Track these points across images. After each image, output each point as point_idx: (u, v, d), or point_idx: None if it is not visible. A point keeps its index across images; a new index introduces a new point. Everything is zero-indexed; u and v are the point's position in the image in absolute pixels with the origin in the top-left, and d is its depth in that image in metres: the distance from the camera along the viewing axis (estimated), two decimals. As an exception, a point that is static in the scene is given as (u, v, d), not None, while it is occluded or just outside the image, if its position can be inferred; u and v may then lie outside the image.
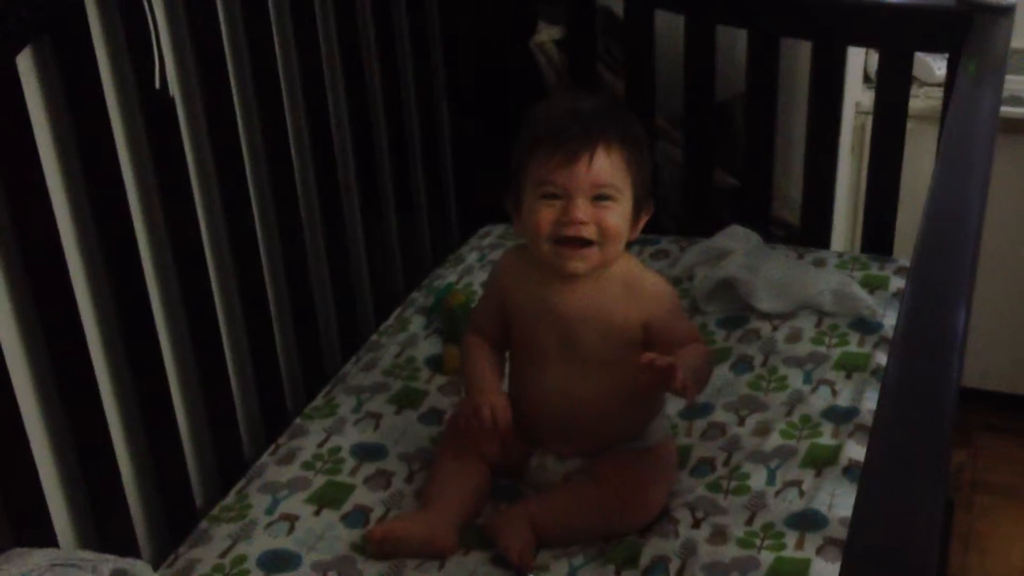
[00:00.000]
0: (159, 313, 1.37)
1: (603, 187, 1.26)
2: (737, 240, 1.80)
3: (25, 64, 1.15)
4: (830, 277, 1.74)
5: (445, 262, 1.92)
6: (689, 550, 1.27)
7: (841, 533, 1.28)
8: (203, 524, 1.35)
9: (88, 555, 0.74)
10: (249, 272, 1.50)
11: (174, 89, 1.31)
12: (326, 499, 1.37)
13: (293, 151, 1.58)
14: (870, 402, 1.49)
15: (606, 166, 1.26)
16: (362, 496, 1.38)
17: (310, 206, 1.64)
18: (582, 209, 1.25)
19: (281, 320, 1.60)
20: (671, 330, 1.32)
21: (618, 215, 1.28)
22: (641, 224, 1.34)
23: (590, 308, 1.32)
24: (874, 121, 1.83)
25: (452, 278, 1.84)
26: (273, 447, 1.48)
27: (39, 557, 0.71)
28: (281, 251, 1.57)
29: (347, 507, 1.36)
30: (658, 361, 1.21)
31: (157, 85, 1.25)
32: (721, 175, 1.98)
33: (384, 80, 1.76)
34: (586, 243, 1.27)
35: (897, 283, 1.76)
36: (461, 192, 2.03)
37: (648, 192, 1.33)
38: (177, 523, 1.37)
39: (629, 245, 1.35)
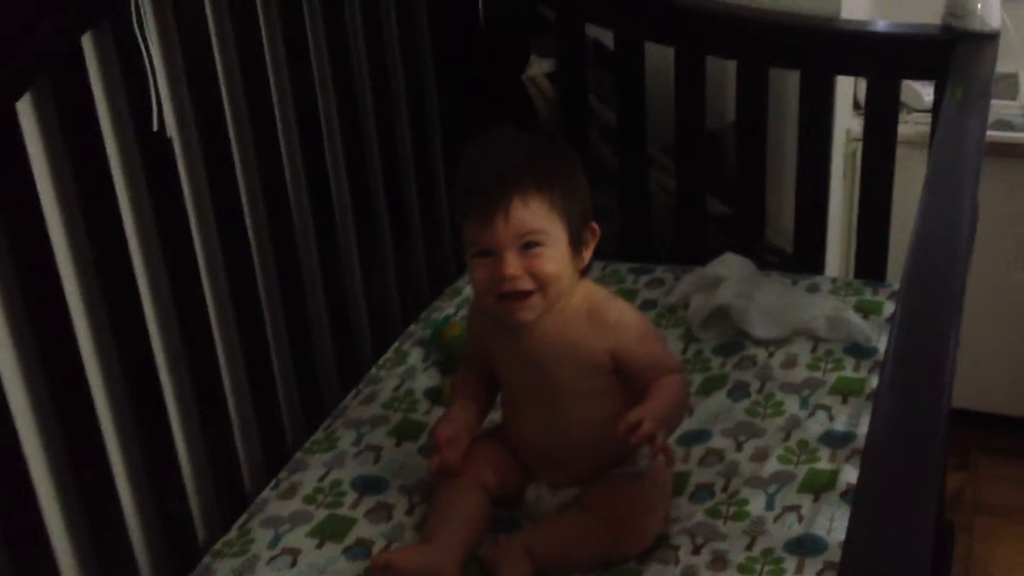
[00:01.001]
0: (159, 351, 1.38)
1: (527, 236, 1.25)
2: (731, 268, 1.81)
3: (24, 107, 1.17)
4: (824, 303, 1.75)
5: (442, 295, 1.94)
6: (689, 577, 1.28)
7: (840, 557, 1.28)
8: (206, 560, 1.36)
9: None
10: (247, 309, 1.52)
11: (172, 130, 1.33)
12: (328, 533, 1.38)
13: (290, 189, 1.60)
14: (867, 427, 1.49)
15: (525, 216, 1.25)
16: (364, 529, 1.39)
17: (307, 242, 1.65)
18: (511, 264, 1.25)
19: (280, 355, 1.61)
20: (639, 357, 1.32)
21: (551, 259, 1.27)
22: (589, 250, 1.33)
23: (556, 345, 1.32)
24: (864, 148, 1.85)
25: (450, 310, 1.85)
26: (274, 482, 1.49)
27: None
28: (279, 287, 1.59)
29: (349, 540, 1.37)
30: (624, 426, 1.22)
31: (155, 126, 1.27)
32: (713, 203, 2.00)
33: (378, 115, 1.78)
34: (526, 294, 1.28)
35: (891, 308, 1.78)
36: (456, 225, 2.04)
37: (586, 220, 1.31)
38: (180, 559, 1.38)
39: (589, 269, 1.35)
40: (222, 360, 1.49)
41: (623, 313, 1.35)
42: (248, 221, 1.52)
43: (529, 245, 1.26)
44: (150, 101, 1.26)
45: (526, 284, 1.27)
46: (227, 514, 1.45)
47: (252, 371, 1.53)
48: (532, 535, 1.32)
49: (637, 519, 1.33)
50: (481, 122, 1.99)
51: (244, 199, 1.51)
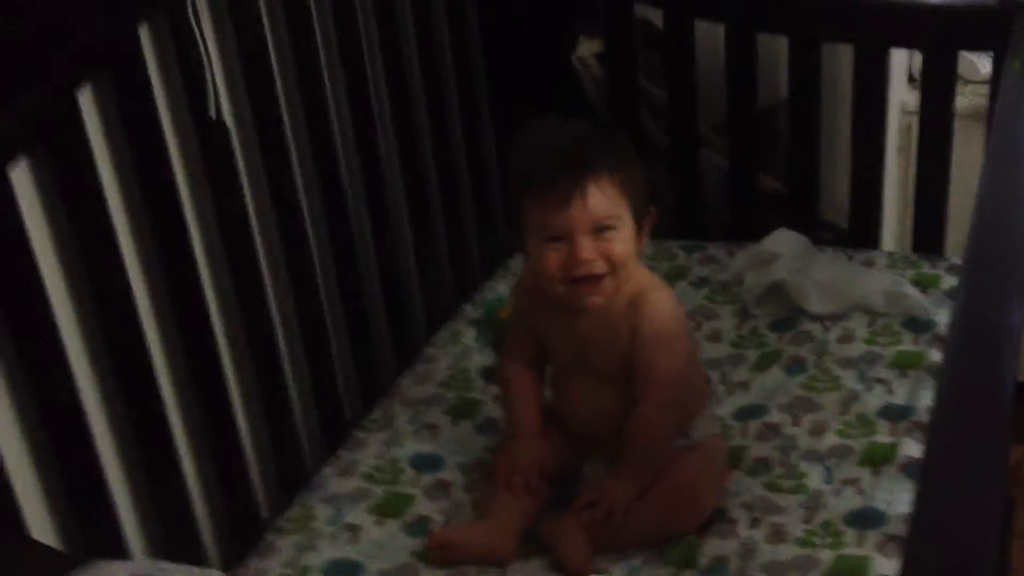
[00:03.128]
0: (220, 334, 1.41)
1: (602, 220, 1.27)
2: (785, 244, 1.80)
3: (85, 98, 1.19)
4: (881, 277, 1.74)
5: (495, 274, 1.94)
6: (748, 550, 1.28)
7: (900, 530, 1.28)
8: (268, 536, 1.38)
9: (167, 566, 0.77)
10: (305, 289, 1.54)
11: (229, 117, 1.35)
12: (387, 509, 1.40)
13: (343, 172, 1.61)
14: (926, 400, 1.49)
15: (601, 200, 1.26)
16: (422, 506, 1.41)
17: (361, 225, 1.67)
18: (587, 248, 1.26)
19: (337, 335, 1.63)
20: (642, 356, 1.31)
21: (623, 241, 1.28)
22: (646, 232, 1.34)
23: (599, 326, 1.33)
24: (920, 121, 1.82)
25: (503, 290, 1.86)
26: (333, 459, 1.51)
27: (119, 569, 0.74)
28: (335, 269, 1.61)
29: (408, 517, 1.39)
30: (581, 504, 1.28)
31: (212, 114, 1.29)
32: (766, 180, 1.98)
33: (429, 98, 1.79)
34: (599, 277, 1.28)
35: (950, 281, 1.76)
36: (508, 205, 2.05)
37: (646, 203, 1.33)
38: (243, 536, 1.40)
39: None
40: (280, 340, 1.51)
41: (659, 305, 1.34)
42: (304, 204, 1.54)
43: (602, 229, 1.27)
44: (206, 89, 1.27)
45: (600, 268, 1.28)
46: (289, 491, 1.48)
47: (310, 351, 1.56)
48: (588, 511, 1.33)
49: (693, 493, 1.33)
50: (531, 103, 1.99)
51: (300, 183, 1.53)
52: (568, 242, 1.27)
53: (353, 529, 1.37)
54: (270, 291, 1.48)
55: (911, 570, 0.75)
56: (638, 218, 1.31)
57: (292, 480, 1.50)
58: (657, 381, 1.32)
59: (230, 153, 1.38)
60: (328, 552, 1.33)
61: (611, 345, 1.33)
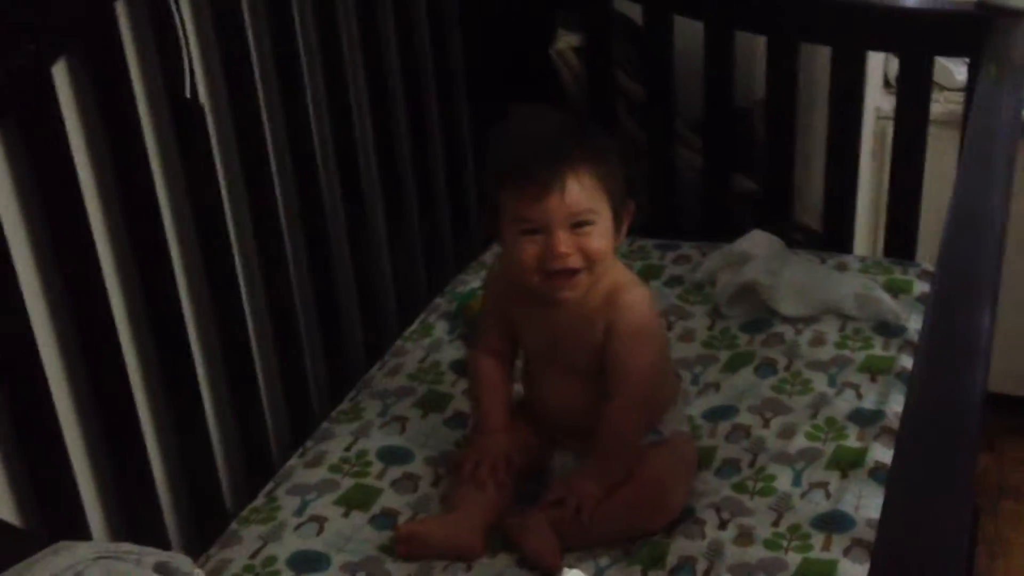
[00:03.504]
0: (190, 319, 1.39)
1: (580, 215, 1.26)
2: (759, 245, 1.80)
3: (59, 73, 1.17)
4: (853, 281, 1.74)
5: (468, 268, 1.94)
6: (715, 551, 1.28)
7: (868, 534, 1.28)
8: (233, 526, 1.37)
9: (132, 548, 0.76)
10: (276, 278, 1.52)
11: (204, 97, 1.33)
12: (354, 501, 1.39)
13: (318, 159, 1.60)
14: (896, 405, 1.49)
15: (579, 193, 1.25)
16: (389, 499, 1.39)
17: (335, 214, 1.65)
18: (564, 242, 1.25)
19: (307, 326, 1.61)
20: (617, 349, 1.31)
21: (600, 236, 1.28)
22: (625, 227, 1.33)
23: (574, 320, 1.33)
24: (895, 126, 1.84)
25: (475, 283, 1.85)
26: (301, 450, 1.50)
27: (84, 550, 0.73)
28: (307, 258, 1.59)
29: (375, 509, 1.38)
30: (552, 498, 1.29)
31: (188, 93, 1.27)
32: (741, 180, 1.99)
33: (406, 88, 1.78)
34: (575, 271, 1.28)
35: (921, 287, 1.77)
36: (483, 199, 2.04)
37: (625, 197, 1.32)
38: (207, 525, 1.39)
39: (637, 235, 1.34)
40: (251, 329, 1.49)
41: (635, 301, 1.33)
42: (277, 190, 1.52)
43: (580, 224, 1.26)
44: (182, 68, 1.25)
45: (576, 262, 1.27)
46: (254, 482, 1.46)
47: (280, 341, 1.54)
48: (557, 508, 1.32)
49: (663, 491, 1.33)
50: (508, 96, 1.99)
51: (274, 168, 1.51)
52: (545, 235, 1.26)
53: (319, 520, 1.36)
54: (241, 278, 1.47)
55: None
56: (616, 212, 1.30)
57: (258, 470, 1.48)
58: (630, 377, 1.32)
59: (205, 134, 1.36)
60: (293, 543, 1.32)
61: (585, 339, 1.33)
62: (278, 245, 1.52)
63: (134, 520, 1.28)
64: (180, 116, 1.31)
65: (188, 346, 1.37)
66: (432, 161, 1.88)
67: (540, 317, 1.35)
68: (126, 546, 0.76)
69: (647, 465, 1.33)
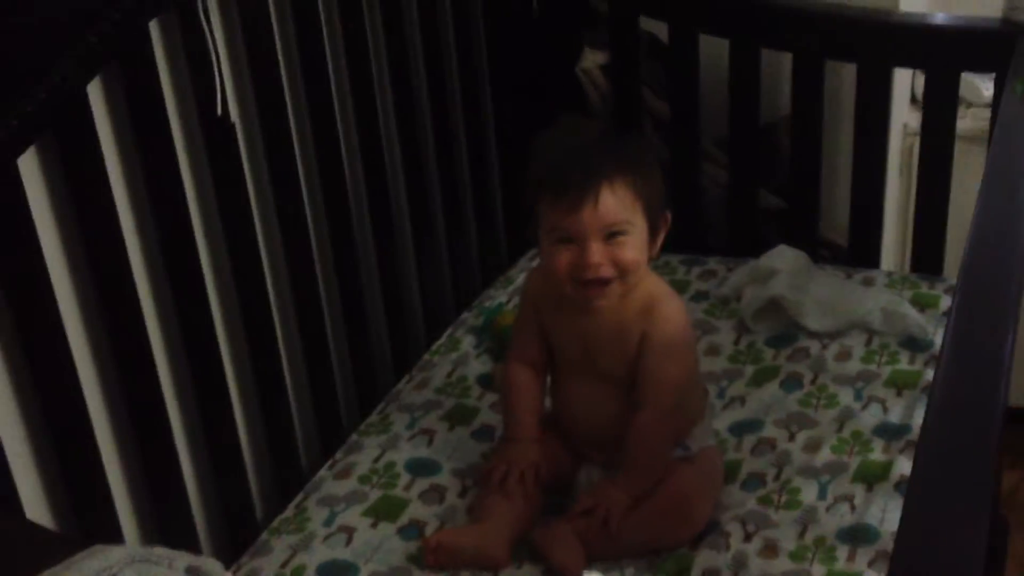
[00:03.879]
0: (221, 333, 1.41)
1: (613, 226, 1.27)
2: (785, 260, 1.81)
3: (94, 90, 1.20)
4: (880, 296, 1.75)
5: (495, 283, 1.95)
6: (740, 563, 1.29)
7: (892, 547, 1.28)
8: (263, 536, 1.39)
9: (164, 552, 0.78)
10: (305, 293, 1.55)
11: (235, 115, 1.36)
12: (382, 512, 1.40)
13: (347, 175, 1.62)
14: (921, 419, 1.49)
15: (613, 204, 1.26)
16: (417, 510, 1.41)
17: (363, 231, 1.68)
18: (596, 253, 1.27)
19: (336, 340, 1.64)
20: (650, 361, 1.32)
21: (633, 247, 1.29)
22: (660, 239, 1.35)
23: (609, 329, 1.34)
24: (922, 142, 1.84)
25: (502, 298, 1.87)
26: (330, 462, 1.52)
27: (118, 554, 0.75)
28: (336, 274, 1.62)
29: (403, 520, 1.39)
30: (580, 509, 1.31)
31: (219, 112, 1.30)
32: (766, 196, 1.99)
33: (433, 105, 1.80)
34: (606, 281, 1.29)
35: (948, 302, 1.76)
36: (509, 215, 2.06)
37: (661, 210, 1.33)
38: (238, 535, 1.41)
39: (663, 250, 1.36)
40: (281, 343, 1.52)
41: (673, 313, 1.35)
42: (307, 207, 1.55)
43: (613, 234, 1.28)
44: (214, 86, 1.28)
45: (608, 272, 1.28)
46: (284, 493, 1.48)
47: (309, 355, 1.56)
48: (584, 519, 1.33)
49: (687, 506, 1.33)
50: (535, 114, 2.01)
51: (303, 186, 1.54)
52: (579, 244, 1.28)
53: (347, 531, 1.37)
54: (271, 292, 1.49)
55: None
56: (652, 223, 1.31)
57: (288, 482, 1.50)
58: (660, 388, 1.33)
59: (236, 152, 1.39)
60: (322, 553, 1.34)
61: (620, 349, 1.34)
62: (307, 260, 1.55)
63: (166, 530, 1.31)
64: (212, 133, 1.34)
65: (219, 358, 1.39)
66: (459, 176, 1.90)
67: (575, 325, 1.36)
68: (159, 550, 0.78)
69: (674, 478, 1.34)
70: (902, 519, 0.83)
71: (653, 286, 1.36)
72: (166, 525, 1.31)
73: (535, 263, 2.01)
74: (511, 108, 1.99)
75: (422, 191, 1.79)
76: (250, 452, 1.48)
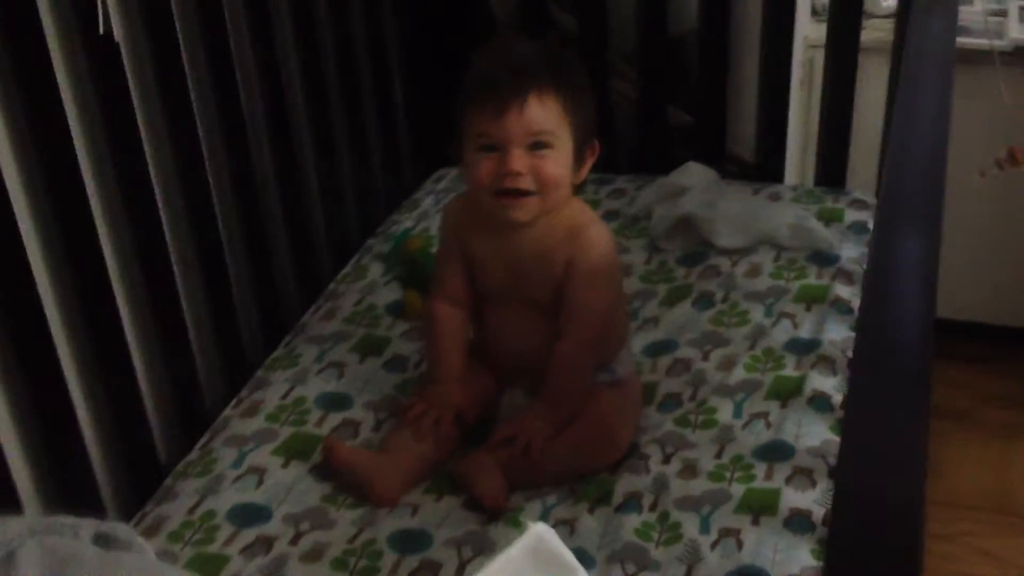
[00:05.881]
0: (113, 266, 1.33)
1: (538, 135, 1.24)
2: (694, 177, 1.79)
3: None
4: (787, 211, 1.75)
5: (400, 207, 1.89)
6: (660, 485, 1.28)
7: (809, 462, 1.29)
8: (168, 481, 1.33)
9: (67, 520, 0.72)
10: (203, 223, 1.47)
11: (119, 34, 1.26)
12: (294, 451, 1.36)
13: (243, 99, 1.53)
14: (832, 333, 1.50)
15: (539, 113, 1.23)
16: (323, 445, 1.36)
17: (262, 154, 1.60)
18: (518, 160, 1.23)
19: (237, 270, 1.56)
20: (575, 287, 1.30)
21: (556, 163, 1.26)
22: (587, 167, 1.32)
23: (534, 253, 1.31)
24: (826, 55, 1.83)
25: (408, 223, 1.82)
26: (236, 400, 1.46)
27: (17, 525, 0.69)
28: (234, 200, 1.54)
29: (316, 458, 1.35)
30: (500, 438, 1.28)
31: (101, 29, 1.20)
32: (675, 112, 1.97)
33: (336, 27, 1.72)
34: (525, 193, 1.26)
35: (852, 215, 1.78)
36: (414, 136, 2.00)
37: (591, 134, 1.30)
38: (142, 481, 1.35)
39: (582, 186, 1.34)
40: (178, 276, 1.44)
41: (599, 239, 1.32)
42: (200, 132, 1.46)
43: (537, 145, 1.24)
44: (95, 2, 1.19)
45: (528, 183, 1.25)
46: (189, 434, 1.42)
47: (210, 287, 1.49)
48: (504, 449, 1.31)
49: (610, 430, 1.32)
50: (439, 32, 1.94)
51: (196, 112, 1.44)
52: (502, 152, 1.24)
53: (258, 472, 1.32)
54: (166, 224, 1.41)
55: (840, 509, 0.75)
56: (579, 146, 1.27)
57: (192, 422, 1.44)
58: (584, 316, 1.30)
59: (121, 72, 1.29)
60: (232, 496, 1.29)
61: (544, 273, 1.31)
62: (203, 189, 1.46)
63: (66, 480, 1.24)
64: (94, 53, 1.24)
65: (113, 296, 1.31)
66: (363, 101, 1.82)
67: (499, 248, 1.32)
68: (62, 519, 0.72)
69: (597, 404, 1.32)
70: (843, 438, 0.82)
71: (578, 211, 1.32)
72: (65, 476, 1.24)
73: (441, 185, 1.95)
74: (414, 26, 1.91)
75: (325, 112, 1.71)
76: (149, 392, 1.41)
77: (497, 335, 1.38)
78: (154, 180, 1.38)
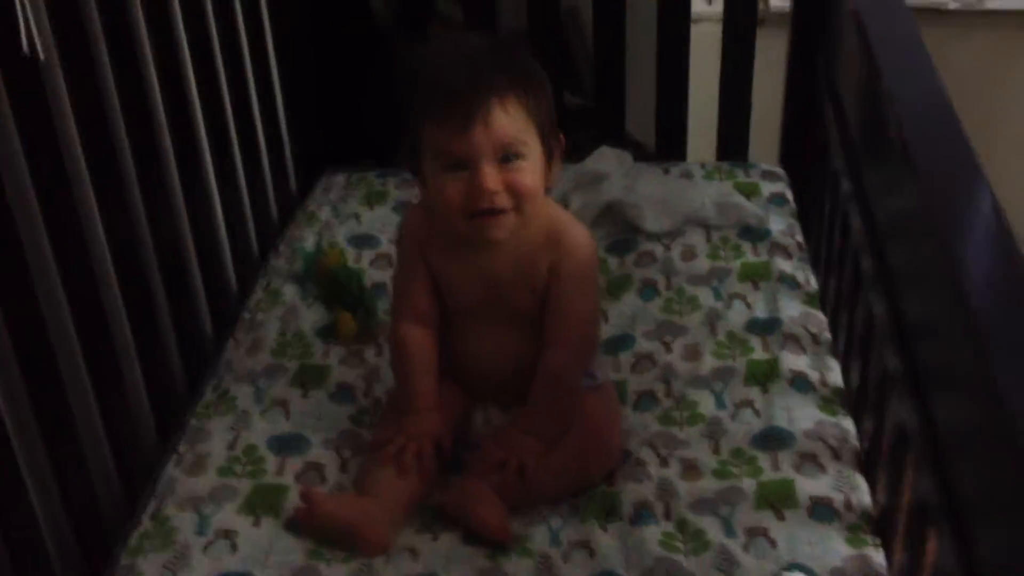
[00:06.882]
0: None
1: (508, 147, 1.14)
2: (610, 162, 1.73)
3: None
4: (709, 189, 1.71)
5: (295, 220, 1.74)
6: (668, 491, 1.21)
7: (810, 447, 1.26)
8: (125, 560, 1.14)
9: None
10: (125, 242, 1.28)
11: (43, 52, 1.07)
12: (260, 506, 1.20)
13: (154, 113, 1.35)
14: (789, 310, 1.48)
15: (506, 122, 1.13)
16: (299, 496, 1.21)
17: (169, 170, 1.41)
18: (490, 178, 1.13)
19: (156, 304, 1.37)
20: (561, 293, 1.21)
21: (530, 172, 1.16)
22: (557, 163, 1.23)
23: (513, 266, 1.22)
24: (724, 28, 1.80)
25: (312, 237, 1.66)
26: (175, 456, 1.28)
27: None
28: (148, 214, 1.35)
29: (288, 512, 1.20)
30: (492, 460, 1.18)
31: (25, 48, 1.01)
32: (569, 97, 1.89)
33: (222, 33, 1.55)
34: (501, 211, 1.16)
35: (769, 188, 1.76)
36: (300, 142, 1.84)
37: (554, 126, 1.21)
38: (92, 556, 1.16)
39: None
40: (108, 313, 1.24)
41: (581, 242, 1.23)
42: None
43: (507, 158, 1.13)
44: (17, 20, 1.00)
45: (504, 201, 1.14)
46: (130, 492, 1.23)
47: (133, 320, 1.30)
48: (496, 474, 1.20)
49: (602, 437, 1.25)
50: (316, 23, 1.79)
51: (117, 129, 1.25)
52: (471, 170, 1.12)
53: (228, 536, 1.16)
54: (90, 244, 1.21)
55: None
56: (547, 147, 1.18)
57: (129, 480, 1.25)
58: (573, 323, 1.22)
59: (42, 91, 1.10)
60: (206, 568, 1.12)
61: (527, 284, 1.22)
62: (125, 202, 1.28)
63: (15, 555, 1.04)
64: (15, 74, 1.05)
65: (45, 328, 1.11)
66: (244, 97, 1.65)
67: (473, 266, 1.21)
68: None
69: (585, 412, 1.24)
70: None
71: (555, 213, 1.24)
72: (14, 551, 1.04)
73: (333, 195, 1.80)
74: (290, 15, 1.75)
75: (220, 121, 1.54)
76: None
77: (471, 353, 1.27)
78: (77, 199, 1.18)
